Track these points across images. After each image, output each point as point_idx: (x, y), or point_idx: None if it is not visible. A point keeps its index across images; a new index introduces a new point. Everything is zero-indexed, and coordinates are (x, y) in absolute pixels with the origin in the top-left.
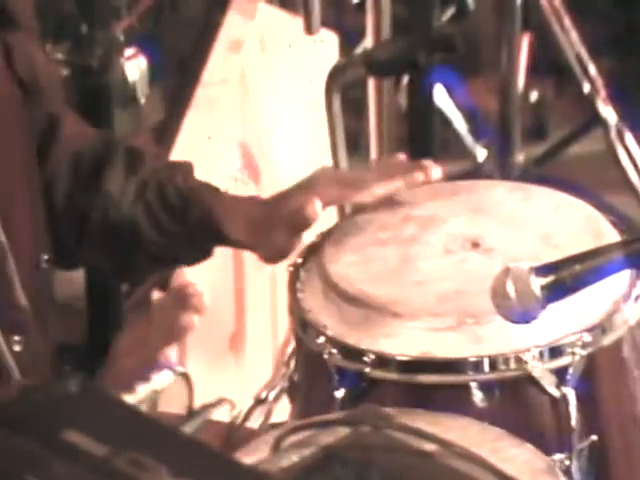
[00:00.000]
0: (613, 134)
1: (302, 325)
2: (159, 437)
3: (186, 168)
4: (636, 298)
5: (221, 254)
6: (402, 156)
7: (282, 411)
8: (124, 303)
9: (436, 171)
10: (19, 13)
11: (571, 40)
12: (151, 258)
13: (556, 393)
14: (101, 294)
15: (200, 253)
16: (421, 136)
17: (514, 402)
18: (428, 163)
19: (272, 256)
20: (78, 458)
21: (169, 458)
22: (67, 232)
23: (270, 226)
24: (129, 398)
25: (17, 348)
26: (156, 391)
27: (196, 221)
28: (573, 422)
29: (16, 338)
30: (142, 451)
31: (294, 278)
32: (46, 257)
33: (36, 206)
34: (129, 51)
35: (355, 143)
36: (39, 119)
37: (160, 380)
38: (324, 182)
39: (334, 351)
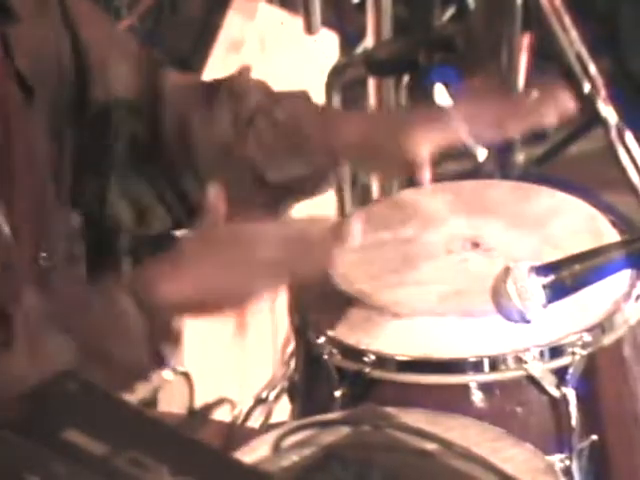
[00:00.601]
0: (613, 134)
1: (302, 325)
2: (159, 436)
3: (297, 94)
4: (636, 298)
5: None
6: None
7: (282, 411)
8: None
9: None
10: (17, 5)
11: (571, 39)
12: (269, 192)
13: (556, 393)
14: None
15: (320, 177)
16: None
17: (514, 402)
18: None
19: (381, 175)
20: (78, 458)
21: (169, 457)
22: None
23: (383, 143)
24: (129, 397)
25: None
26: (156, 390)
27: (310, 142)
28: (573, 422)
29: None
30: (142, 450)
31: None
32: (44, 254)
33: (38, 202)
34: None
35: None
36: (103, 101)
37: (160, 379)
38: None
39: (334, 351)
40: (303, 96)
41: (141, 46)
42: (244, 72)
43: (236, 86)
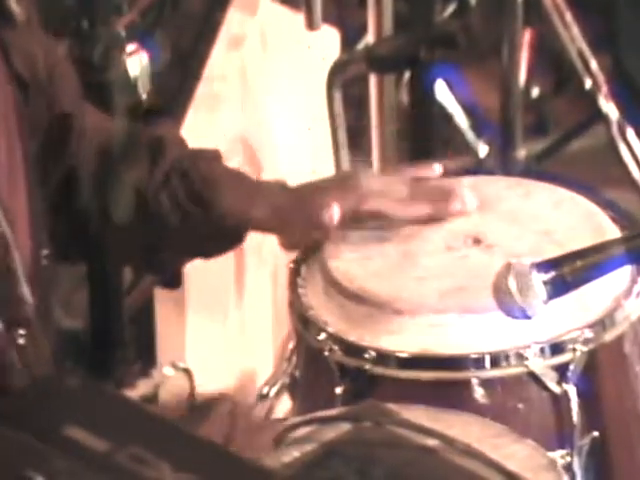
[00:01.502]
0: (614, 130)
1: (303, 322)
2: (160, 432)
3: (211, 155)
4: (637, 294)
5: None
6: (436, 168)
7: (283, 407)
8: (125, 300)
9: (471, 201)
10: (16, 9)
11: (572, 36)
12: (178, 248)
13: (557, 390)
14: (102, 291)
15: (228, 241)
16: (422, 132)
17: (515, 399)
18: (463, 193)
19: (287, 245)
20: (79, 454)
21: (171, 453)
22: (91, 225)
23: (293, 215)
24: (130, 393)
25: (21, 341)
26: (157, 386)
27: (223, 208)
28: (574, 418)
29: (20, 332)
30: (143, 446)
31: (295, 274)
32: (45, 252)
33: (34, 202)
34: (130, 47)
35: (356, 139)
36: (50, 115)
37: (161, 375)
38: (362, 188)
39: (335, 348)
40: (217, 157)
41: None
42: (166, 126)
43: (155, 140)
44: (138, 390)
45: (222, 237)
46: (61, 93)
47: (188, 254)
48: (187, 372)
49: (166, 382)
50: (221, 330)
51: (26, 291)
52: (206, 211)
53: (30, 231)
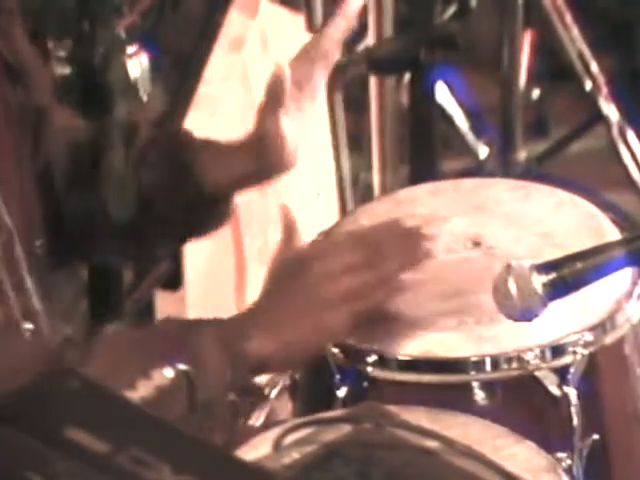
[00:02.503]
0: (615, 131)
1: None
2: (161, 434)
3: (185, 132)
4: (638, 296)
5: (222, 251)
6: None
7: (284, 409)
8: (125, 302)
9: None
10: None
11: (573, 37)
12: (166, 229)
13: (558, 392)
14: (102, 293)
15: (217, 209)
16: (423, 134)
17: (516, 401)
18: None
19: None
20: (80, 455)
21: (171, 455)
22: (74, 220)
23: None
24: (131, 395)
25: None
26: (158, 388)
27: (202, 171)
28: (575, 421)
29: (27, 326)
30: (144, 448)
31: None
32: (38, 243)
33: (27, 191)
34: (131, 49)
35: (356, 140)
36: (29, 108)
37: (162, 377)
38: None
39: (335, 350)
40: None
41: None
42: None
43: (128, 124)
44: (138, 392)
45: (209, 205)
46: (37, 85)
47: (181, 232)
48: (187, 374)
49: (166, 384)
50: None
51: (30, 283)
52: (186, 177)
53: (24, 220)
